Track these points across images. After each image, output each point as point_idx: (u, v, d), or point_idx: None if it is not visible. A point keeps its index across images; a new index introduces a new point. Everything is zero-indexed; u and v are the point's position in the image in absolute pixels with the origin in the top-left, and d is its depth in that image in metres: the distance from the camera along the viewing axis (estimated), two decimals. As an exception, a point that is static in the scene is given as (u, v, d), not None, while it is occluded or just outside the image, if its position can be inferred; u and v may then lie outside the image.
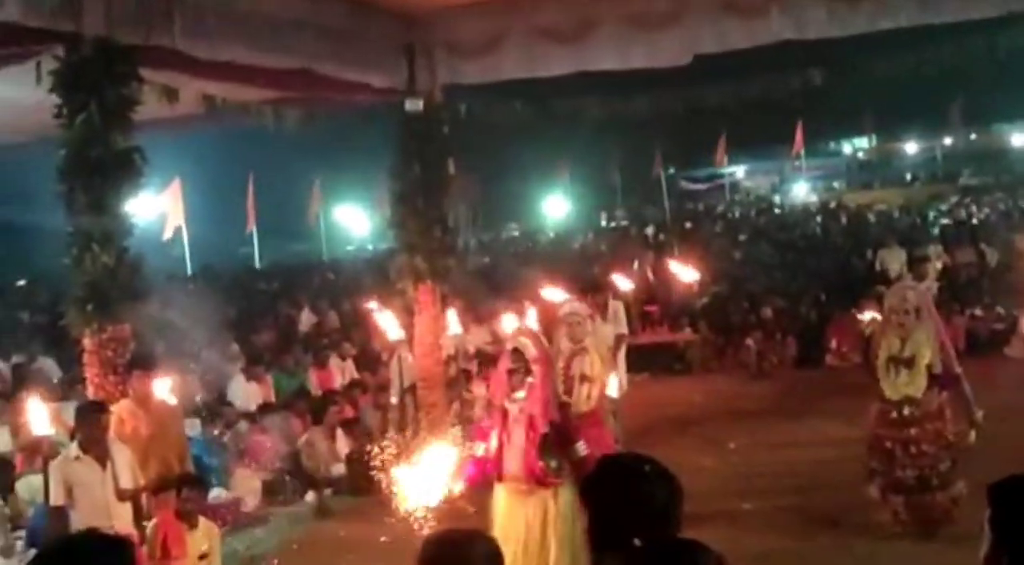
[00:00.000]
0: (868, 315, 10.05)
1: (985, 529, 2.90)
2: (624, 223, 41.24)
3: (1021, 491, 2.87)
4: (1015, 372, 15.36)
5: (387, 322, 12.69)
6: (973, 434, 9.01)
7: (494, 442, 7.85)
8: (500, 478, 7.88)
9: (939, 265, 21.52)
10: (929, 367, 9.03)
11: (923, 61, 14.11)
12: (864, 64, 14.55)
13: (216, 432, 12.67)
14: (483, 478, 7.96)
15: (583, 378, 9.58)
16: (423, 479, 7.36)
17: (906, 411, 9.03)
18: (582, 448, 7.75)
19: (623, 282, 16.18)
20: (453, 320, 13.01)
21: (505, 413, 7.84)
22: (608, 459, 3.34)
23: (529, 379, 7.77)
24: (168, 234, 25.72)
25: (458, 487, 7.69)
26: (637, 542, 2.93)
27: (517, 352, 7.84)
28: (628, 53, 11.93)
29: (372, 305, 15.15)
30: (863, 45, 13.09)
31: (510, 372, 7.84)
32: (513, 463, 7.77)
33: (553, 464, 7.67)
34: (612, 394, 10.18)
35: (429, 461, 7.55)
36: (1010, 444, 11.71)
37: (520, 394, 7.78)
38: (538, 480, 7.70)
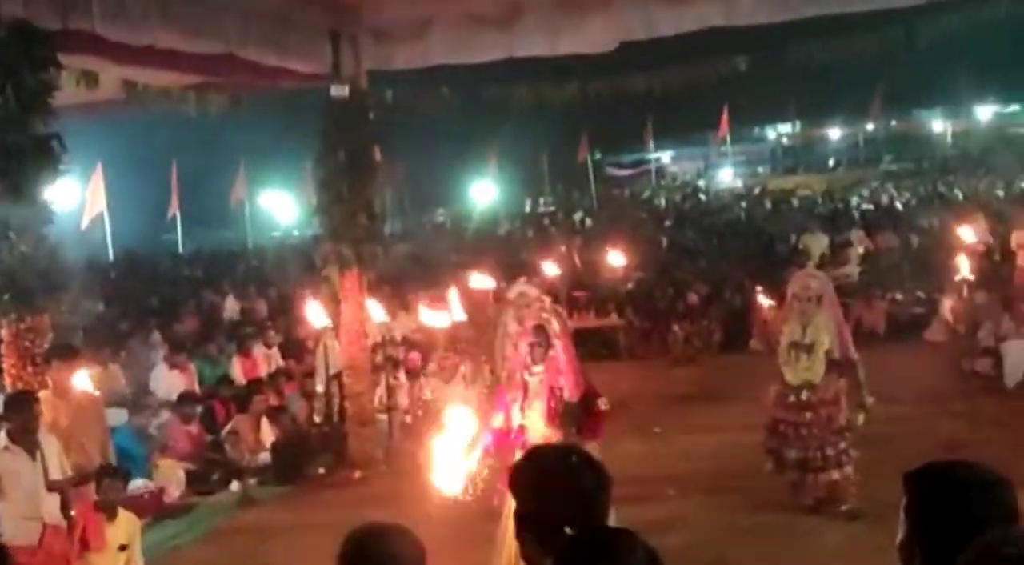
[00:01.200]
0: (767, 302, 10.29)
1: (900, 516, 2.91)
2: (551, 209, 41.31)
3: (934, 480, 2.86)
4: (935, 355, 15.61)
5: (313, 310, 12.63)
6: (862, 417, 9.45)
7: (517, 414, 8.01)
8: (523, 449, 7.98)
9: (861, 250, 21.87)
10: (828, 353, 9.38)
11: (846, 49, 14.25)
12: (789, 51, 14.67)
13: (141, 422, 12.47)
14: (504, 448, 8.03)
15: None
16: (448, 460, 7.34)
17: (804, 395, 9.41)
18: (604, 403, 8.06)
19: (550, 268, 16.25)
20: (378, 308, 12.95)
21: (525, 386, 8.01)
22: (535, 449, 3.34)
23: (551, 352, 7.95)
24: (87, 221, 25.29)
25: (477, 460, 7.65)
26: (568, 531, 2.92)
27: (540, 328, 8.04)
28: (556, 39, 11.91)
29: (298, 292, 15.10)
30: (788, 32, 13.20)
31: (531, 345, 8.02)
32: (535, 433, 7.91)
33: (573, 431, 7.87)
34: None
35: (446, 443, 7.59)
36: (927, 426, 12.03)
37: (539, 368, 7.95)
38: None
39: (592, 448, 8.20)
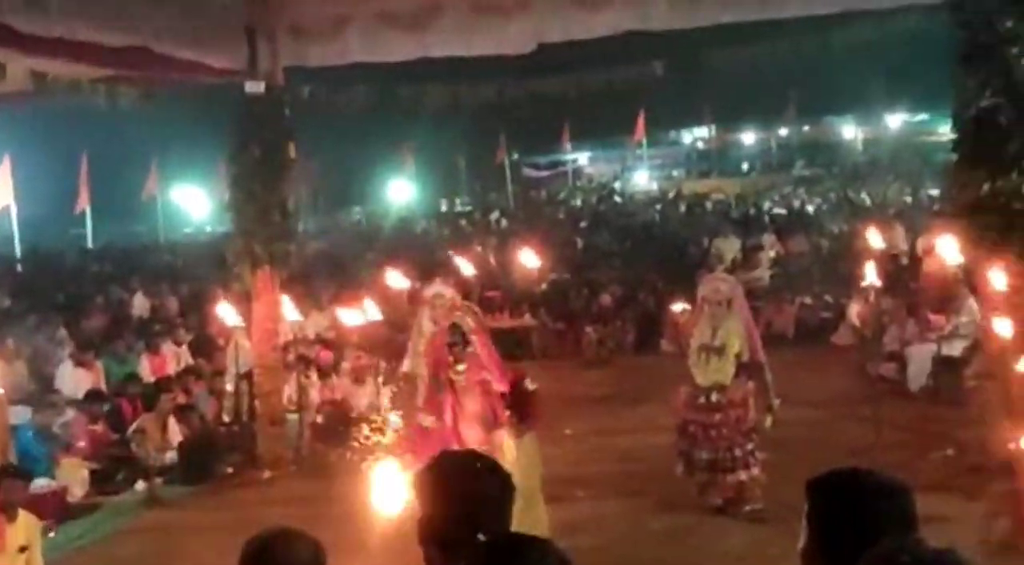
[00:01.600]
0: (679, 307, 10.43)
1: (803, 523, 2.94)
2: (468, 208, 41.28)
3: (836, 487, 2.91)
4: (842, 359, 15.83)
5: (224, 308, 12.48)
6: (769, 419, 9.63)
7: (449, 415, 8.18)
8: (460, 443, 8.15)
9: (772, 254, 22.16)
10: (738, 356, 9.55)
11: (761, 55, 14.49)
12: (705, 57, 14.88)
13: (44, 420, 12.21)
14: (435, 448, 7.99)
15: None
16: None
17: (714, 397, 9.53)
18: (531, 383, 8.24)
19: (465, 267, 16.22)
20: (290, 306, 12.84)
21: (453, 385, 8.11)
22: (439, 455, 3.31)
23: (468, 349, 8.08)
24: (-5, 214, 24.76)
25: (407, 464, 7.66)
26: (481, 537, 2.92)
27: (455, 326, 8.16)
28: (472, 40, 11.92)
29: (210, 290, 14.91)
30: (705, 39, 13.36)
31: (450, 346, 8.13)
32: (471, 431, 8.04)
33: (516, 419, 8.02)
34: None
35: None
36: (833, 429, 12.24)
37: (462, 366, 8.07)
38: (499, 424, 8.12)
39: (532, 438, 8.31)
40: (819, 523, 2.87)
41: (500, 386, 7.93)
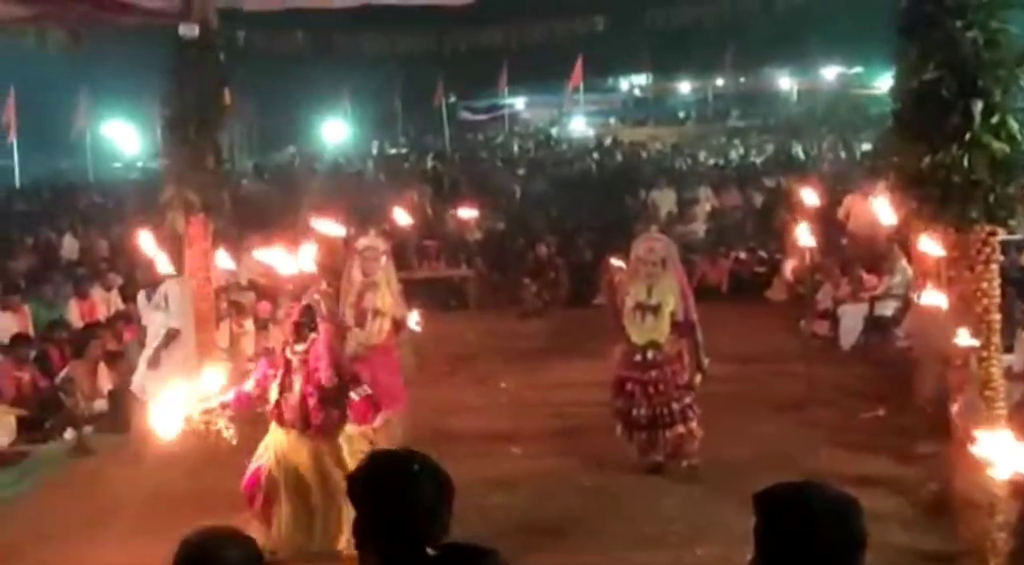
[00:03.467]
0: (617, 263, 10.51)
1: (751, 537, 2.93)
2: (404, 150, 40.94)
3: (783, 503, 2.89)
4: (775, 315, 16.00)
5: (156, 254, 12.24)
6: (699, 377, 9.70)
7: (275, 388, 7.95)
8: (280, 422, 8.00)
9: (708, 207, 22.25)
10: (672, 314, 9.61)
11: (703, 14, 14.45)
12: (647, 15, 14.80)
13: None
14: (245, 411, 8.09)
15: (375, 312, 10.27)
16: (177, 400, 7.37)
17: (649, 355, 9.58)
18: (362, 391, 7.99)
19: (402, 217, 16.11)
20: (225, 255, 12.66)
21: (288, 362, 7.94)
22: (377, 456, 3.25)
23: (313, 334, 7.88)
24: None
25: (214, 406, 7.73)
26: (431, 551, 2.90)
27: (309, 308, 7.98)
28: (412, -11, 11.76)
29: (141, 233, 14.57)
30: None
31: (296, 324, 7.95)
32: (291, 410, 7.91)
33: (335, 414, 7.91)
34: (414, 327, 10.65)
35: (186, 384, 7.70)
36: (767, 385, 12.37)
37: (300, 346, 7.89)
38: (314, 428, 7.88)
39: (392, 423, 8.28)
40: (767, 541, 2.87)
41: (327, 381, 7.80)
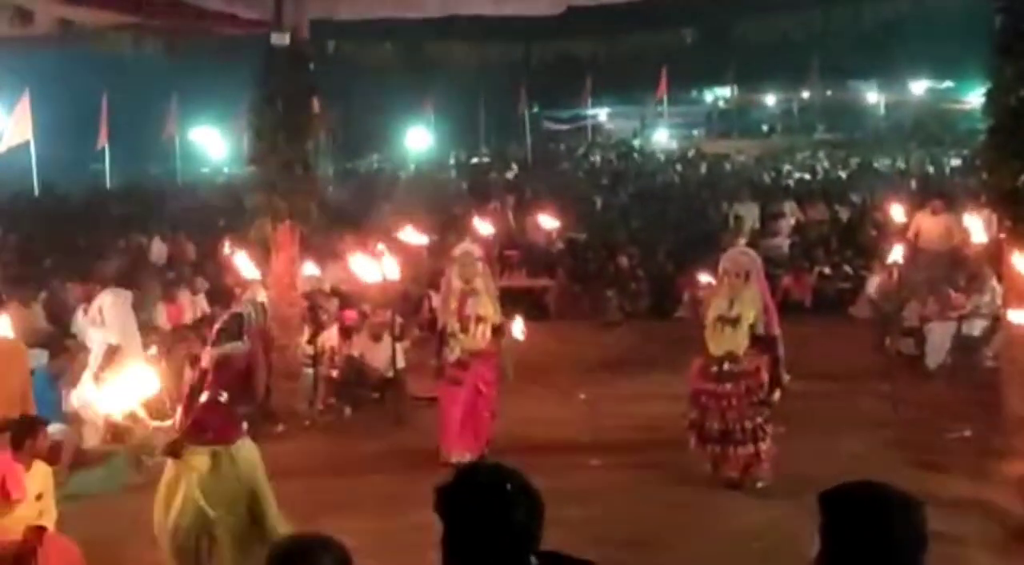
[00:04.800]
0: (705, 279, 10.46)
1: (815, 535, 2.97)
2: (486, 160, 41.11)
3: (850, 503, 2.94)
4: (858, 332, 15.76)
5: (242, 260, 12.43)
6: (778, 393, 9.58)
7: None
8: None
9: (792, 221, 22.03)
10: (752, 327, 9.56)
11: (791, 27, 14.34)
12: (735, 28, 14.72)
13: (59, 365, 12.15)
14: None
15: (478, 318, 10.45)
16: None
17: (725, 366, 9.55)
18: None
19: (483, 226, 16.19)
20: (310, 262, 12.84)
21: (203, 368, 7.67)
22: (468, 472, 3.23)
23: (236, 344, 7.55)
24: (4, 147, 24.63)
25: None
26: (533, 561, 2.91)
27: (239, 317, 7.71)
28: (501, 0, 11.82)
29: (228, 238, 14.83)
30: (736, 8, 13.22)
31: (219, 330, 7.67)
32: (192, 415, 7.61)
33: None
34: (518, 336, 11.11)
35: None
36: (848, 403, 12.22)
37: (216, 350, 7.60)
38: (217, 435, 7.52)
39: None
40: (832, 537, 2.91)
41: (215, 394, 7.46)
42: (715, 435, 9.55)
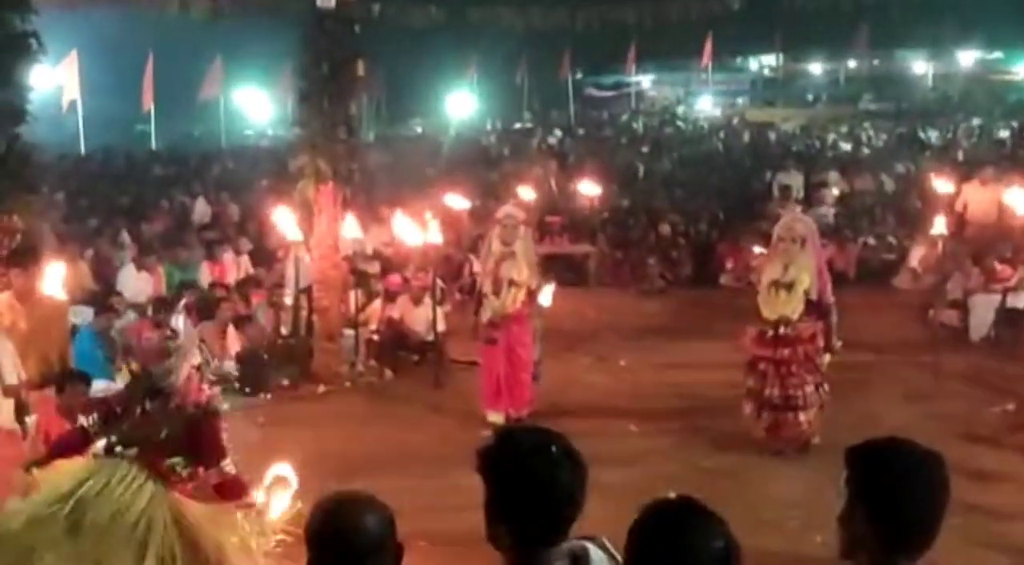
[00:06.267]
0: (758, 249, 10.43)
1: (842, 489, 3.02)
2: (529, 125, 40.96)
3: (874, 458, 3.01)
4: (902, 303, 15.67)
5: (285, 221, 12.49)
6: (827, 358, 9.72)
7: None
8: None
9: (836, 191, 21.86)
10: (806, 293, 9.59)
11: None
12: (782, -6, 14.60)
13: (103, 323, 12.28)
14: None
15: (511, 282, 10.52)
16: None
17: (781, 331, 9.59)
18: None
19: (526, 192, 16.18)
20: (352, 223, 12.86)
21: None
22: (511, 434, 3.23)
23: None
24: (66, 102, 24.86)
25: None
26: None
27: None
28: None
29: (271, 199, 14.88)
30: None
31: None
32: None
33: None
34: (545, 303, 10.95)
35: None
36: (891, 374, 12.16)
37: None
38: None
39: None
40: (857, 491, 2.97)
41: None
42: (775, 402, 9.59)
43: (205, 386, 5.26)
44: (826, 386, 9.63)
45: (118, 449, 4.35)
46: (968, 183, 16.86)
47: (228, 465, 4.77)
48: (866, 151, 29.71)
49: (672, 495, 2.83)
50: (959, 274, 14.82)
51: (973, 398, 11.20)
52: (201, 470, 4.47)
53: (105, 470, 4.14)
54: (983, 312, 13.91)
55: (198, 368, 5.69)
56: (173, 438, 4.54)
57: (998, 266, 14.35)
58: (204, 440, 4.73)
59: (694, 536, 2.68)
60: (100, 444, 4.48)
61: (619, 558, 3.00)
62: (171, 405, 4.77)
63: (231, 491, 4.67)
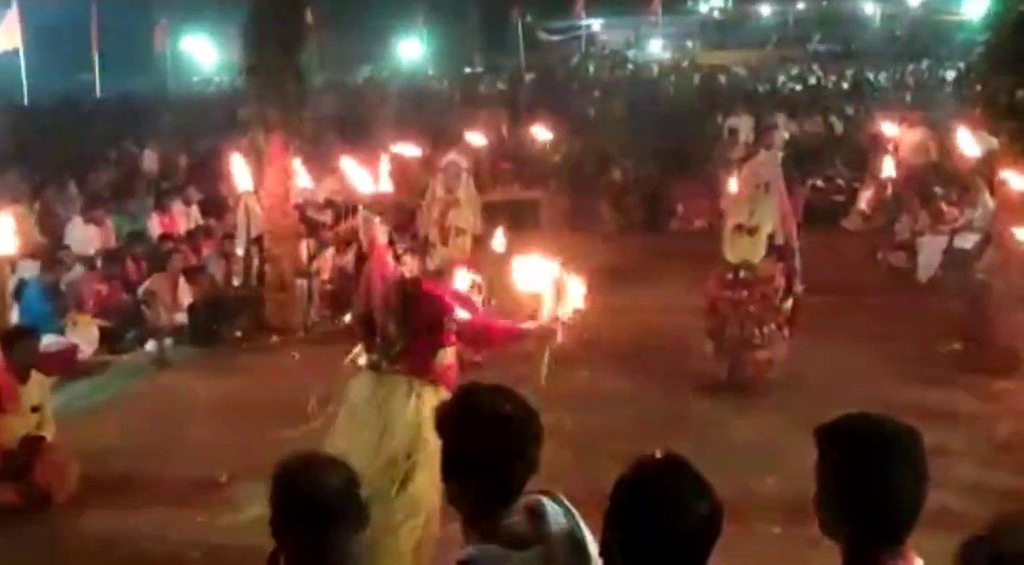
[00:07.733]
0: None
1: (816, 471, 2.83)
2: (479, 70, 40.71)
3: (847, 438, 2.82)
4: (850, 245, 15.79)
5: (236, 171, 12.38)
6: (790, 302, 9.89)
7: None
8: None
9: (786, 134, 21.91)
10: (771, 237, 9.75)
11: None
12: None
13: (51, 277, 12.14)
14: None
15: (458, 230, 10.70)
16: None
17: (742, 274, 9.76)
18: None
19: (477, 139, 16.10)
20: (303, 172, 12.78)
21: None
22: (467, 393, 3.22)
23: None
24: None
25: None
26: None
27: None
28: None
29: (221, 149, 14.75)
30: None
31: None
32: None
33: None
34: (499, 249, 10.82)
35: None
36: (843, 316, 12.28)
37: None
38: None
39: None
40: (831, 473, 2.79)
41: None
42: (734, 341, 9.76)
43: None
44: (784, 332, 9.72)
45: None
46: (900, 125, 17.07)
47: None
48: (815, 93, 29.80)
49: (658, 454, 2.76)
50: (907, 216, 14.98)
51: (921, 338, 11.34)
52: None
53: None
54: (931, 253, 14.07)
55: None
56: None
57: (945, 208, 14.50)
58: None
59: (680, 497, 2.62)
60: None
61: (574, 511, 3.03)
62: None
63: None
